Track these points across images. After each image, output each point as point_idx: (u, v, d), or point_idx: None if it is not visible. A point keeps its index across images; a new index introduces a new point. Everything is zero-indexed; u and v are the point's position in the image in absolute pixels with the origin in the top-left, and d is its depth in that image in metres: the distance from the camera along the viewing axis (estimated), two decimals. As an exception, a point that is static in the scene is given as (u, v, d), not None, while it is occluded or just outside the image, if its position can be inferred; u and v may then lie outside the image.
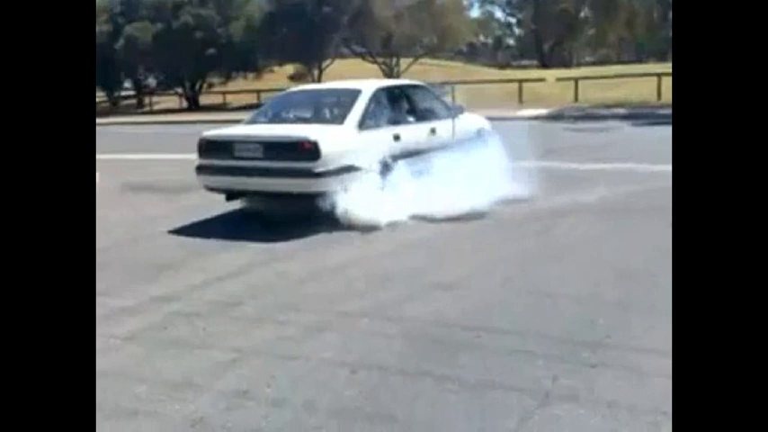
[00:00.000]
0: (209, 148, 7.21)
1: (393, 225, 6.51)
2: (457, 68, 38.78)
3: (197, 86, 34.21)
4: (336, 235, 6.34)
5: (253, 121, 7.94)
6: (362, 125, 7.14)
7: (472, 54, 55.56)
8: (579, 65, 49.55)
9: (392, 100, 7.86)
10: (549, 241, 6.01)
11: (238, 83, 33.25)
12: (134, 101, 37.50)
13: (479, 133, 8.86)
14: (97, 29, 31.69)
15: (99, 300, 4.56)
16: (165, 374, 3.59)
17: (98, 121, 27.76)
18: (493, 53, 62.39)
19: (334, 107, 7.58)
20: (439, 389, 3.24)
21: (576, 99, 22.33)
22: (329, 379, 3.40)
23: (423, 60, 35.64)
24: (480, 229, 6.42)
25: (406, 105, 8.12)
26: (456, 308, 4.35)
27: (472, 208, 6.70)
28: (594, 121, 17.05)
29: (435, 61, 38.74)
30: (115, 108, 35.42)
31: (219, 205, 7.43)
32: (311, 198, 6.61)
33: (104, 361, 3.56)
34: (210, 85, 34.39)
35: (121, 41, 29.87)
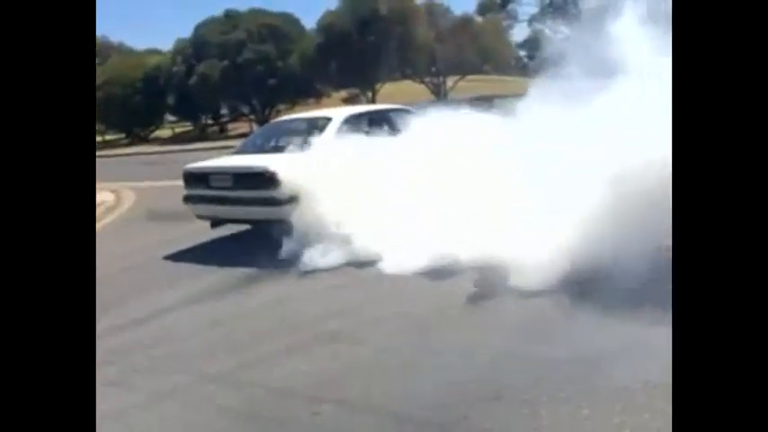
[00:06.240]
0: (190, 179, 7.07)
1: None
2: (504, 83, 37.47)
3: (266, 112, 34.85)
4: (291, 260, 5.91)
5: (239, 152, 7.74)
6: (330, 150, 6.76)
7: (524, 68, 53.81)
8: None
9: (367, 124, 7.46)
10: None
11: (302, 108, 33.64)
12: (217, 128, 38.68)
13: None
14: (173, 69, 32.87)
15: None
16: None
17: (183, 147, 28.01)
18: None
19: (305, 135, 7.23)
20: None
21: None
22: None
23: (470, 77, 34.91)
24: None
25: (383, 128, 7.68)
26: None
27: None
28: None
29: (484, 77, 37.71)
30: (203, 134, 36.61)
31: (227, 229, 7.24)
32: (279, 224, 6.27)
33: None
34: (278, 111, 34.91)
35: (195, 78, 30.73)
